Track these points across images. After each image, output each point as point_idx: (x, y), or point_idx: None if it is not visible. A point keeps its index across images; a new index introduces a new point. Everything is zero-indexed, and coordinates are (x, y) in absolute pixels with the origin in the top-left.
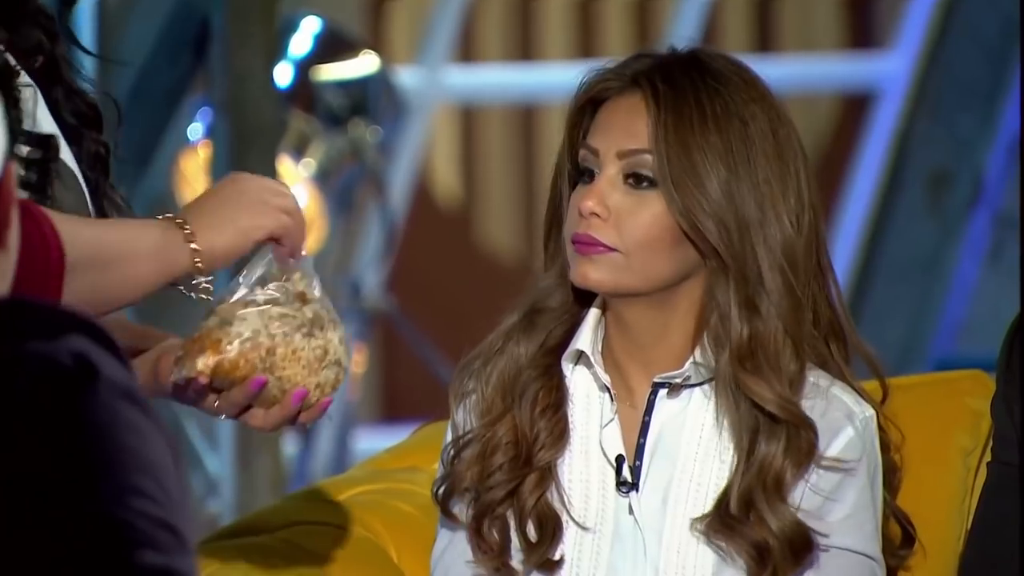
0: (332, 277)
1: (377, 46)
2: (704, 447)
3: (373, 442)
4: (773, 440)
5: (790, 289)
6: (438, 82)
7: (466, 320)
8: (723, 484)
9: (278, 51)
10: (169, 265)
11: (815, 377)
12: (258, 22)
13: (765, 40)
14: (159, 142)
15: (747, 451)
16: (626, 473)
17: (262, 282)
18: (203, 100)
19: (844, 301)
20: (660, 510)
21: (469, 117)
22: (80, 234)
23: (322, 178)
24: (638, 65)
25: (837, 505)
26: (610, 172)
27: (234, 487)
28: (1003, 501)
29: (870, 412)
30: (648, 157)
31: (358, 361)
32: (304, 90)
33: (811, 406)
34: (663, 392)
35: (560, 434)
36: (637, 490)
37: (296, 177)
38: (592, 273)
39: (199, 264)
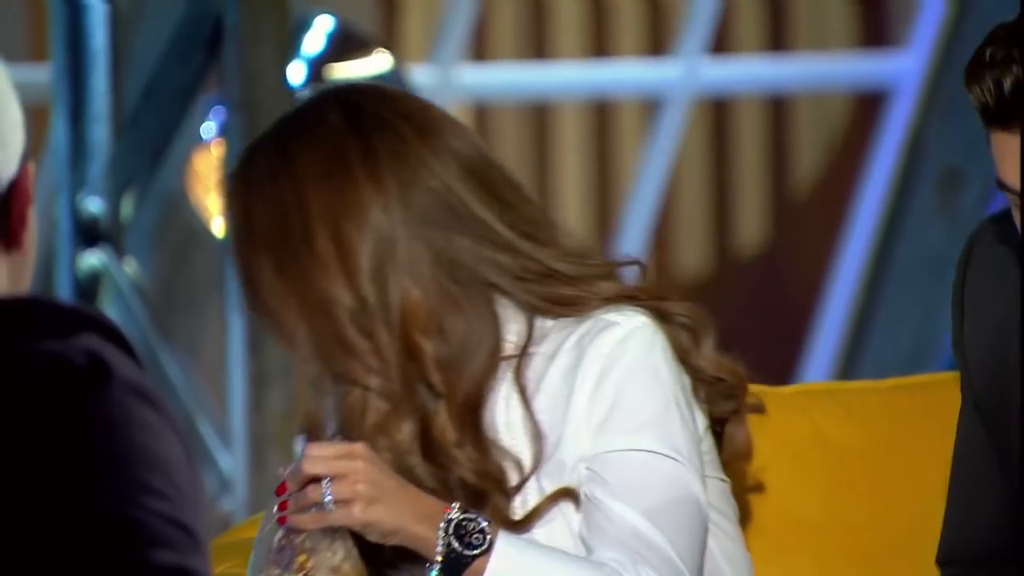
0: None
1: (390, 44)
2: None
3: None
4: None
5: (438, 284)
6: (451, 81)
7: None
8: None
9: (291, 49)
10: None
11: (551, 326)
12: (271, 21)
13: (778, 39)
14: (172, 141)
15: None
16: None
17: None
18: (216, 98)
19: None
20: None
21: (482, 116)
22: None
23: None
24: None
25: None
26: None
27: (247, 485)
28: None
29: (639, 321)
30: None
31: None
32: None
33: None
34: None
35: None
36: None
37: None
38: None
39: None
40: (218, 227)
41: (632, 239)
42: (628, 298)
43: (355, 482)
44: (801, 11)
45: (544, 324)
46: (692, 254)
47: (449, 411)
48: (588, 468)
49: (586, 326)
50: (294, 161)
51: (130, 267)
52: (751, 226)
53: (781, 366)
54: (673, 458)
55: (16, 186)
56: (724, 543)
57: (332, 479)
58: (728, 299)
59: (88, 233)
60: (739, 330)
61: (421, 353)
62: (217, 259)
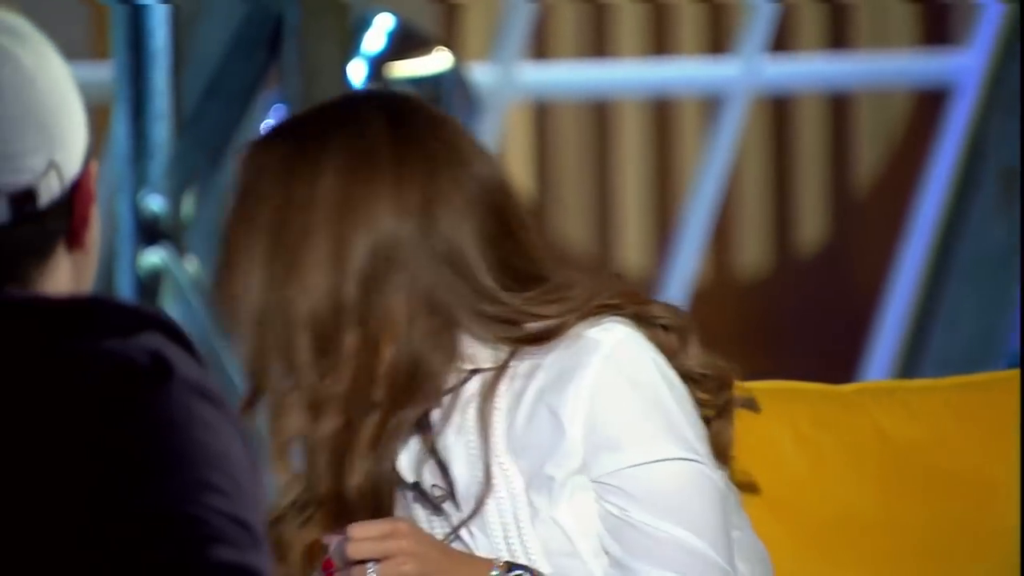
0: None
1: (450, 43)
2: None
3: None
4: None
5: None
6: (511, 79)
7: None
8: None
9: (351, 48)
10: None
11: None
12: (332, 19)
13: (839, 36)
14: (233, 138)
15: None
16: None
17: None
18: (277, 96)
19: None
20: None
21: (542, 114)
22: None
23: None
24: None
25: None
26: None
27: None
28: None
29: (620, 333)
30: None
31: None
32: (378, 87)
33: (525, 375)
34: None
35: None
36: None
37: None
38: None
39: None
40: None
41: (692, 237)
42: (609, 307)
43: (401, 563)
44: (862, 9)
45: (524, 349)
46: (753, 252)
47: (380, 423)
48: (606, 484)
49: (566, 344)
50: (320, 149)
51: (191, 265)
52: (812, 224)
53: (842, 364)
54: (693, 459)
55: (79, 186)
56: (735, 537)
57: (378, 561)
58: (789, 297)
59: (149, 231)
60: (800, 328)
61: (379, 363)
62: None
